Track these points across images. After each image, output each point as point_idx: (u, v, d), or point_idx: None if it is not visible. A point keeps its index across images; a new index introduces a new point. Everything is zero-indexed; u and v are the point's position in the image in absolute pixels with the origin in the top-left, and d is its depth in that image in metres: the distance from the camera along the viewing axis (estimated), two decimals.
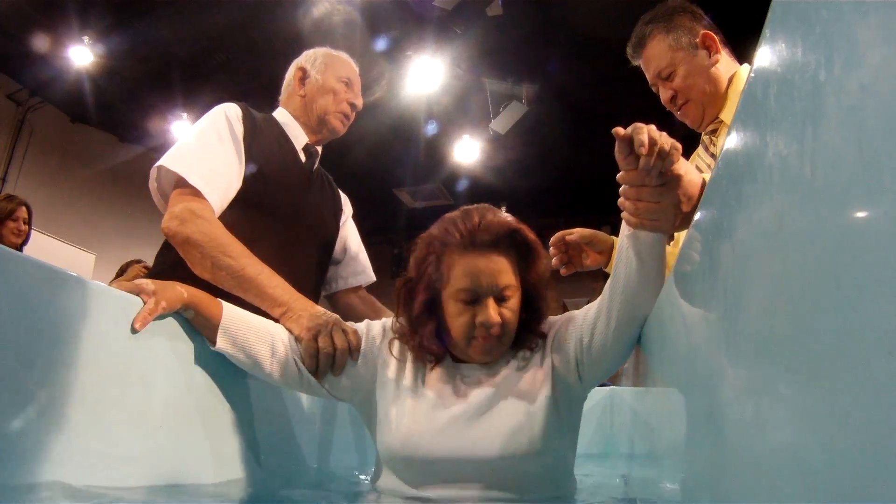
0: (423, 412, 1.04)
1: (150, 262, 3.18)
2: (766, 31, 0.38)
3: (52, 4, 5.37)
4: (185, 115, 6.56)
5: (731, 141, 0.46)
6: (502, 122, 6.24)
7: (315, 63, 1.58)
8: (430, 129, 6.90)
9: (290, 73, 1.61)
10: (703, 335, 0.53)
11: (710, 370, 0.49)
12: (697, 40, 1.38)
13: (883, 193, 0.22)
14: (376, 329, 1.17)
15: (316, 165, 1.58)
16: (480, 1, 4.88)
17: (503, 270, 1.01)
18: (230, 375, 1.13)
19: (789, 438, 0.30)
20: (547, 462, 1.02)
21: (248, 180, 1.35)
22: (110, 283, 2.71)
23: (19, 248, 2.87)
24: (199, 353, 1.08)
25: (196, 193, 1.22)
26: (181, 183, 1.24)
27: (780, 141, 0.33)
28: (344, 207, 1.71)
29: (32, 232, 2.97)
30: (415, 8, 4.92)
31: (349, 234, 1.71)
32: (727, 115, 1.36)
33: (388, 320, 1.19)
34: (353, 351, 1.11)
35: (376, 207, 9.36)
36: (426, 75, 5.82)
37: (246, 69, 5.93)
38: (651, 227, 0.87)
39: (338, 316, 1.15)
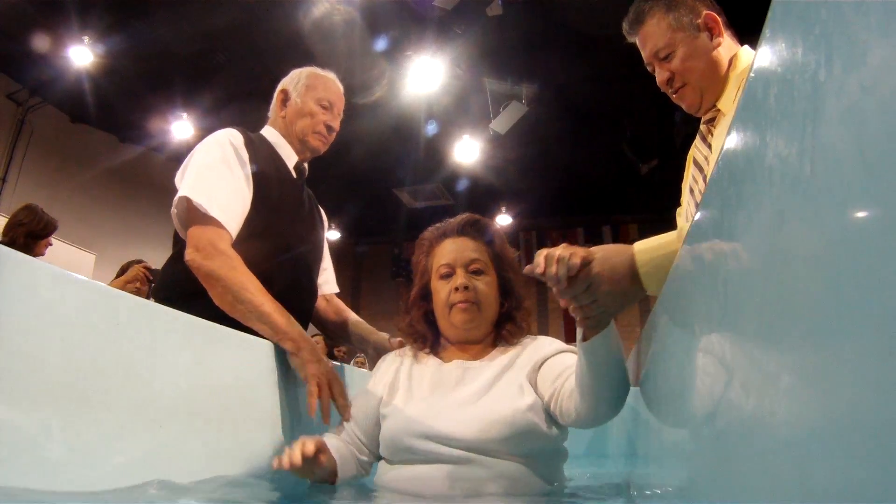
0: (416, 404, 1.14)
1: (150, 261, 3.20)
2: (766, 31, 0.38)
3: (52, 4, 5.37)
4: (185, 115, 6.55)
5: (731, 141, 0.46)
6: (502, 122, 6.24)
7: (297, 85, 1.64)
8: (430, 129, 6.90)
9: (275, 94, 1.67)
10: (703, 335, 0.53)
11: (710, 370, 0.49)
12: (699, 21, 1.31)
13: (883, 193, 0.22)
14: (380, 367, 1.30)
15: (304, 180, 1.67)
16: (480, 1, 4.88)
17: (470, 248, 1.25)
18: (231, 376, 1.14)
19: (789, 438, 0.30)
20: (532, 447, 1.07)
21: (257, 201, 1.43)
22: (110, 283, 2.72)
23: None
24: (200, 353, 1.08)
25: (216, 225, 1.31)
26: (200, 212, 1.31)
27: (780, 141, 0.33)
28: (325, 221, 1.81)
29: None
30: (415, 8, 4.93)
31: (325, 248, 1.81)
32: (725, 103, 1.31)
33: (388, 355, 1.34)
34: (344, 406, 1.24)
35: (376, 207, 9.38)
36: (426, 75, 5.82)
37: (246, 69, 5.93)
38: (604, 321, 0.90)
39: (333, 368, 1.28)
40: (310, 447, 0.96)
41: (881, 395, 0.21)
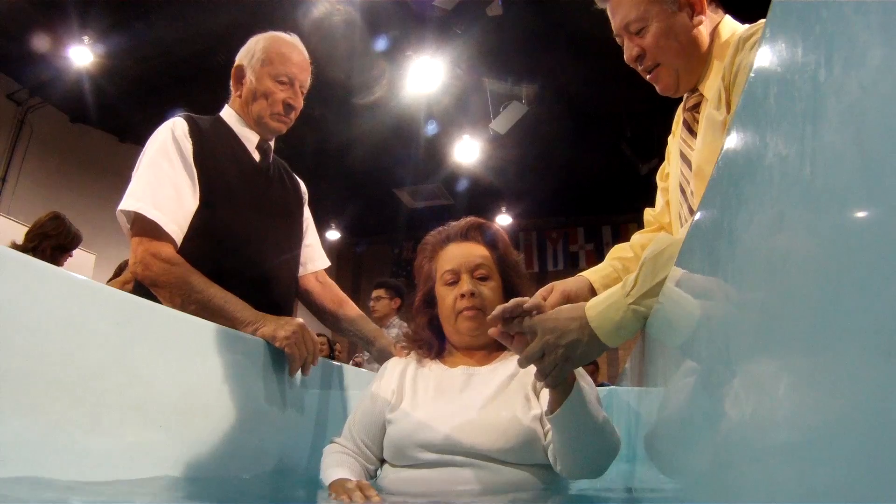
0: (421, 410, 1.12)
1: None
2: (767, 31, 0.38)
3: (52, 4, 5.37)
4: None
5: (730, 141, 0.46)
6: (502, 122, 6.25)
7: (252, 60, 1.49)
8: (430, 129, 6.90)
9: (232, 70, 1.54)
10: (702, 335, 0.53)
11: (710, 370, 0.49)
12: None
13: (883, 193, 0.22)
14: (385, 372, 1.27)
15: (271, 159, 1.56)
16: (480, 1, 4.88)
17: (475, 252, 1.23)
18: (231, 375, 1.13)
19: (789, 438, 0.30)
20: (537, 457, 1.06)
21: (207, 192, 1.37)
22: (107, 283, 2.71)
23: None
24: (200, 353, 1.08)
25: (152, 230, 1.29)
26: (137, 222, 1.30)
27: (780, 141, 0.33)
28: (304, 196, 1.71)
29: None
30: (415, 8, 4.93)
31: (308, 222, 1.71)
32: (709, 87, 1.16)
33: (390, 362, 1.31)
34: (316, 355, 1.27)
35: (376, 207, 9.37)
36: (426, 75, 5.82)
37: None
38: (558, 379, 0.92)
39: (301, 320, 1.27)
40: (376, 498, 0.93)
41: (881, 395, 0.21)
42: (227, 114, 1.53)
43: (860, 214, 0.24)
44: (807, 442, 0.28)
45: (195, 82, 6.09)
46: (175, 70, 6.06)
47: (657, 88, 1.25)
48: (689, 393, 0.60)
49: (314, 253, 1.70)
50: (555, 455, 1.03)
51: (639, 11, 1.15)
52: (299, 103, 1.53)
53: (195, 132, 1.40)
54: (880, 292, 0.22)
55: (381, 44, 5.57)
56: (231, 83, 1.54)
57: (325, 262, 1.73)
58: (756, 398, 0.36)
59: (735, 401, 0.41)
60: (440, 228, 1.31)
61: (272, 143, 1.57)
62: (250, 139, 1.51)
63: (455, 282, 1.21)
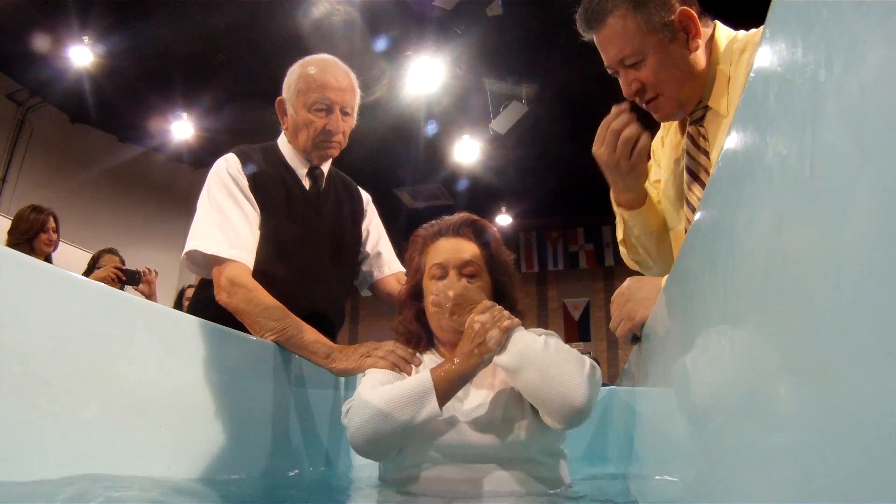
0: None
1: (151, 261, 3.14)
2: (766, 31, 0.38)
3: (52, 4, 5.38)
4: (185, 115, 6.55)
5: (731, 141, 0.46)
6: (502, 122, 6.25)
7: (289, 92, 1.51)
8: (430, 129, 6.90)
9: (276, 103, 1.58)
10: (702, 335, 0.53)
11: (709, 370, 0.49)
12: (674, 18, 1.08)
13: (883, 193, 0.22)
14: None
15: (324, 185, 1.59)
16: (480, 1, 4.89)
17: (465, 249, 1.22)
18: (231, 375, 1.14)
19: (789, 439, 0.30)
20: (530, 453, 1.07)
21: (260, 223, 1.45)
22: (92, 277, 2.68)
23: (48, 256, 2.87)
24: (200, 353, 1.08)
25: (230, 261, 1.36)
26: (216, 259, 1.36)
27: (780, 141, 0.33)
28: (366, 209, 1.77)
29: None
30: (415, 8, 4.93)
31: (371, 233, 1.76)
32: (722, 100, 1.13)
33: None
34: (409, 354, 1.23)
35: (376, 207, 9.38)
36: (426, 75, 5.83)
37: (246, 69, 5.93)
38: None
39: (372, 345, 1.27)
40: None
41: (881, 395, 0.21)
42: (282, 142, 1.57)
43: (860, 214, 0.24)
44: (807, 442, 0.28)
45: (195, 82, 6.10)
46: (175, 70, 6.06)
47: (656, 117, 1.21)
48: (688, 393, 0.60)
49: (385, 259, 1.75)
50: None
51: (634, 45, 1.10)
52: (340, 126, 1.50)
53: (246, 166, 1.46)
54: (880, 292, 0.22)
55: (381, 44, 5.57)
56: (279, 117, 1.57)
57: (398, 268, 1.75)
58: (757, 397, 0.36)
59: (736, 400, 0.41)
60: (433, 222, 1.30)
61: (325, 168, 1.60)
62: (301, 166, 1.55)
63: (442, 276, 1.20)
